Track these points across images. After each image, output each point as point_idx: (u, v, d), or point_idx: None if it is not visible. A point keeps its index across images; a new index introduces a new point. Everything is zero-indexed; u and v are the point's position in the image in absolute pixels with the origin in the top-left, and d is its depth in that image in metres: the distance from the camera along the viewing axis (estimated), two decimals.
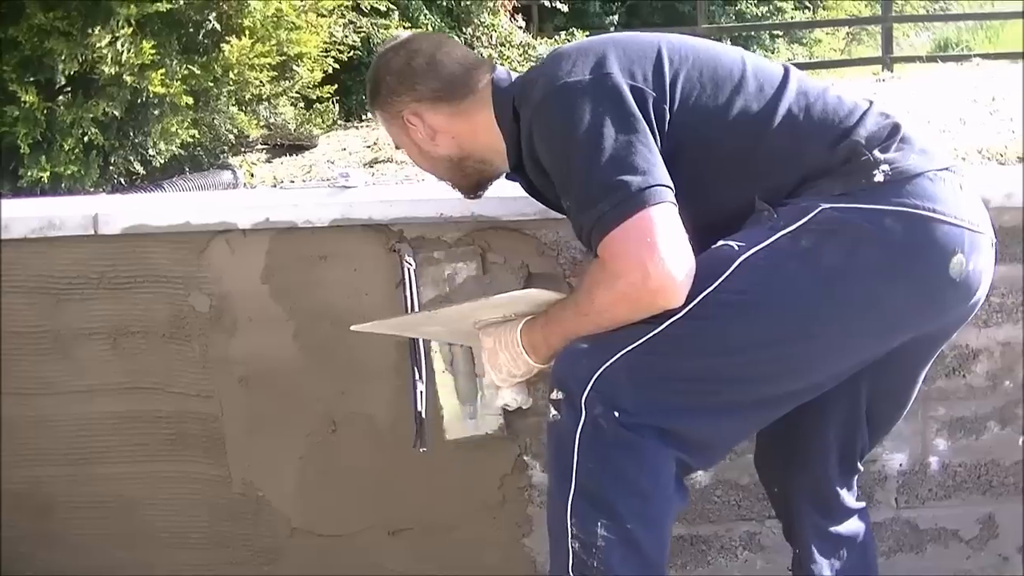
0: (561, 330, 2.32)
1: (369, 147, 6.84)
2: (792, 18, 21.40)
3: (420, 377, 2.85)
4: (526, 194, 2.64)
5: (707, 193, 2.30)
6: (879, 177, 2.21)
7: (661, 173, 2.19)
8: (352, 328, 2.62)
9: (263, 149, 6.99)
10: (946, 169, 2.29)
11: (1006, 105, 7.72)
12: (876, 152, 2.24)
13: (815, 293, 2.20)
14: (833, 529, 2.68)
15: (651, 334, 2.20)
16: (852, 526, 2.71)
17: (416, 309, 2.88)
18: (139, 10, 4.39)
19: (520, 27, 12.02)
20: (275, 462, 3.16)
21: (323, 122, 6.91)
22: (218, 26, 4.59)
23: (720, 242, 2.25)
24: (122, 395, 3.13)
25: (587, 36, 11.64)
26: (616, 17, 15.01)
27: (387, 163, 6.17)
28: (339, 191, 3.07)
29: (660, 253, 2.12)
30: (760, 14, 19.52)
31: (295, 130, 6.66)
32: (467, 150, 2.57)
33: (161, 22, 4.50)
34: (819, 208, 2.19)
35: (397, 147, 2.70)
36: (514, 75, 2.54)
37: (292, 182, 6.05)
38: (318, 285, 3.03)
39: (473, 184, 2.69)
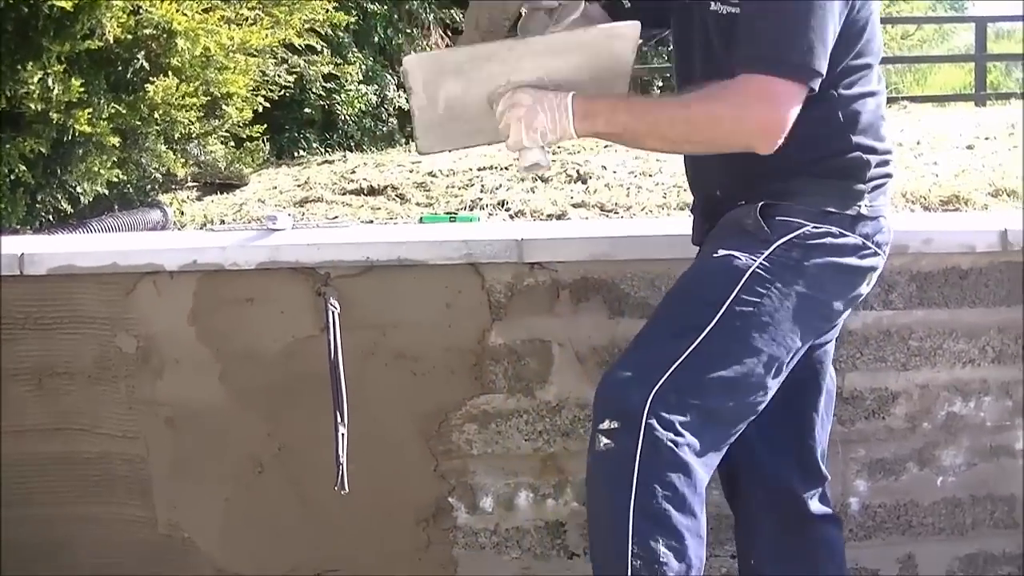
0: (643, 113, 2.47)
1: (300, 186, 6.83)
2: None
3: (342, 421, 2.87)
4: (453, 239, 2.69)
5: None
6: (863, 210, 2.51)
7: (825, 61, 2.36)
8: (405, 59, 2.51)
9: (194, 187, 6.98)
10: (887, 215, 2.60)
11: (929, 149, 7.86)
12: (870, 185, 2.52)
13: (806, 295, 2.45)
14: (800, 537, 2.77)
15: (688, 351, 2.34)
16: (820, 533, 2.79)
17: (339, 352, 2.89)
18: (71, 47, 4.37)
19: None
20: (201, 504, 3.15)
21: (253, 160, 6.90)
22: (147, 65, 4.58)
23: (722, 251, 2.46)
24: (49, 436, 3.11)
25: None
26: None
27: (318, 202, 6.18)
28: (266, 234, 3.09)
29: (785, 118, 2.32)
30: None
31: (225, 168, 6.65)
32: None
33: (90, 60, 4.49)
34: (805, 227, 2.46)
35: None
36: None
37: (223, 221, 6.04)
38: (245, 327, 3.05)
39: None
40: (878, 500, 3.25)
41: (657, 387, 2.31)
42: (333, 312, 2.92)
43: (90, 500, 3.15)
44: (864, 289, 2.59)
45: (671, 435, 2.30)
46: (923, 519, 3.28)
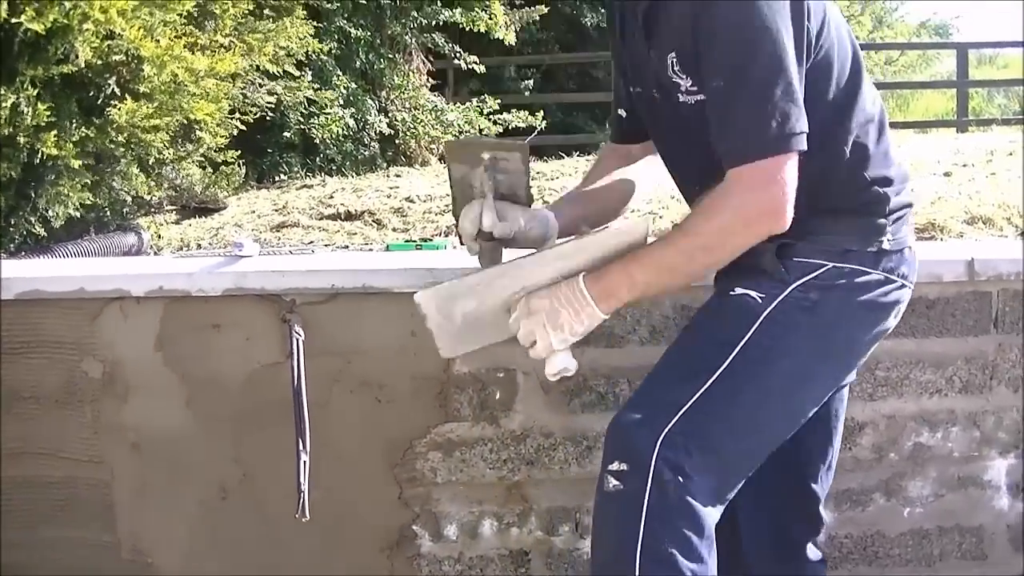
0: (654, 267, 2.40)
1: (278, 210, 6.83)
2: None
3: (304, 448, 2.86)
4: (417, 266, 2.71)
5: None
6: (885, 245, 2.48)
7: (804, 116, 2.31)
8: (416, 297, 2.53)
9: (172, 210, 6.97)
10: (913, 244, 2.60)
11: (911, 177, 7.91)
12: (892, 218, 2.49)
13: (821, 341, 2.45)
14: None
15: (698, 394, 2.35)
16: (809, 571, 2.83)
17: (303, 381, 2.89)
18: (44, 71, 4.37)
19: (432, 88, 12.07)
20: (165, 529, 3.14)
21: (229, 184, 6.88)
22: (117, 90, 4.58)
23: (739, 290, 2.46)
24: (13, 460, 3.09)
25: (498, 102, 11.82)
26: (531, 82, 15.11)
27: (294, 227, 6.17)
28: (232, 260, 3.08)
29: (783, 193, 2.28)
30: None
31: (202, 192, 6.64)
32: None
33: (63, 84, 4.49)
34: (825, 268, 2.43)
35: None
36: None
37: (199, 245, 6.02)
38: (210, 353, 3.04)
39: None
40: (844, 531, 3.26)
41: (666, 430, 2.32)
42: (298, 339, 2.92)
43: (54, 524, 3.13)
44: (891, 323, 2.57)
45: (679, 478, 2.31)
46: (890, 550, 3.29)
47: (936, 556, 3.29)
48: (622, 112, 2.81)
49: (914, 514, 3.27)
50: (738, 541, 2.75)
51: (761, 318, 2.40)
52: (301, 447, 2.85)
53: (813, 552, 2.81)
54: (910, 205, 2.58)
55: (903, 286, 2.53)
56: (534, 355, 2.47)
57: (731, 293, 2.47)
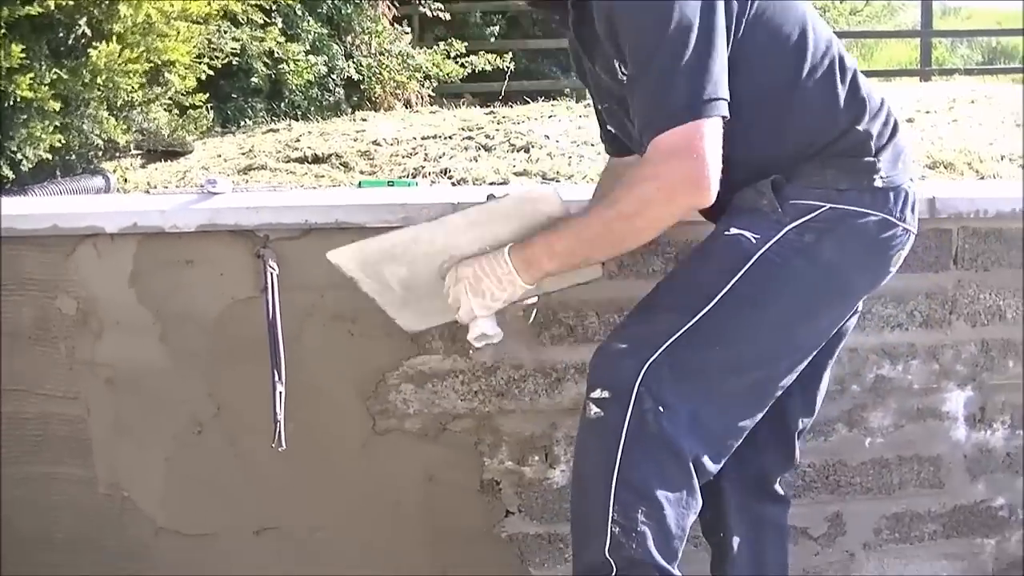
0: (575, 237, 2.40)
1: (244, 153, 6.83)
2: None
3: (279, 378, 2.90)
4: (391, 202, 2.72)
5: (739, 114, 2.36)
6: (878, 183, 2.47)
7: (724, 85, 2.29)
8: (329, 255, 2.59)
9: (138, 155, 6.95)
10: (912, 180, 2.57)
11: None
12: (880, 157, 2.48)
13: (817, 284, 2.46)
14: (758, 508, 2.85)
15: (684, 328, 2.36)
16: (775, 511, 2.89)
17: (278, 314, 2.93)
18: (10, 13, 4.35)
19: (407, 32, 12.03)
20: (141, 463, 3.18)
21: (196, 128, 6.85)
22: (88, 31, 4.56)
23: (734, 230, 2.44)
24: None
25: (466, 47, 11.79)
26: (497, 28, 15.05)
27: (261, 170, 6.18)
28: (206, 197, 3.10)
29: (703, 161, 2.23)
30: None
31: (169, 136, 6.62)
32: None
33: (31, 26, 4.47)
34: (822, 208, 2.42)
35: None
36: None
37: (166, 187, 6.03)
38: (184, 289, 3.07)
39: None
40: (808, 460, 3.32)
41: (651, 361, 2.34)
42: (271, 273, 2.95)
43: (30, 461, 3.17)
44: (892, 268, 2.57)
45: (660, 408, 2.33)
46: (851, 479, 3.35)
47: (896, 484, 3.36)
48: (610, 128, 2.80)
49: (875, 444, 3.33)
50: (720, 472, 2.80)
51: (755, 257, 2.39)
52: (276, 378, 2.88)
53: (780, 489, 2.87)
54: (896, 132, 2.56)
55: (905, 230, 2.52)
56: (460, 320, 2.51)
57: (726, 233, 2.46)
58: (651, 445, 2.34)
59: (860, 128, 2.48)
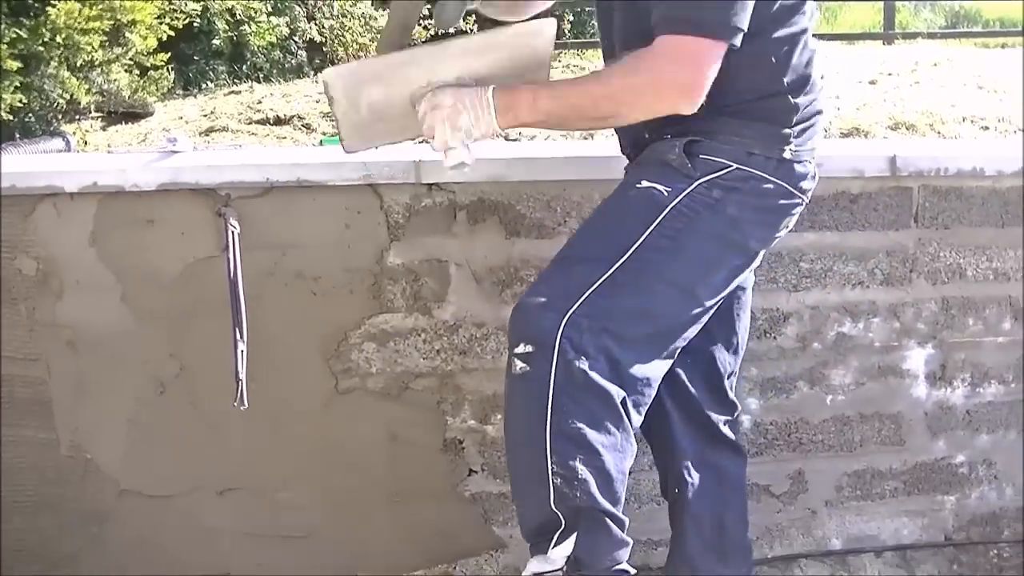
0: (564, 96, 2.44)
1: (206, 116, 6.77)
2: None
3: (241, 337, 2.89)
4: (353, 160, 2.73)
5: None
6: (787, 154, 2.54)
7: (748, 16, 2.37)
8: (323, 73, 2.57)
9: (98, 117, 6.89)
10: (814, 154, 2.65)
11: (834, 84, 7.97)
12: (796, 129, 2.55)
13: (721, 236, 2.52)
14: (711, 459, 2.87)
15: (601, 279, 2.40)
16: (728, 461, 2.92)
17: (240, 273, 2.91)
18: None
19: None
20: (103, 425, 3.17)
21: (157, 89, 6.81)
22: None
23: (645, 183, 2.50)
24: None
25: (428, 9, 11.72)
26: None
27: (223, 132, 6.13)
28: (166, 156, 3.08)
29: (702, 78, 2.34)
30: None
31: (129, 97, 6.57)
32: None
33: None
34: (730, 168, 2.50)
35: None
36: None
37: (128, 148, 5.98)
38: (145, 249, 3.05)
39: None
40: (770, 418, 3.36)
41: (570, 312, 2.36)
42: (233, 232, 2.93)
43: None
44: (783, 232, 2.66)
45: (584, 358, 2.36)
46: (813, 436, 3.38)
47: (857, 442, 3.39)
48: None
49: (836, 402, 3.36)
50: (670, 423, 2.82)
51: (667, 209, 2.46)
52: (238, 336, 2.88)
53: (727, 432, 2.90)
54: (819, 114, 2.63)
55: (800, 200, 2.61)
56: (434, 148, 2.50)
57: (638, 185, 2.52)
58: (579, 393, 2.37)
59: (792, 100, 2.53)
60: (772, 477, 3.40)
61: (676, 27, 2.33)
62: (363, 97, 2.54)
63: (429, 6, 2.72)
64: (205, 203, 3.02)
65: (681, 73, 2.35)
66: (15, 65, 4.39)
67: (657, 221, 2.45)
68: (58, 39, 4.64)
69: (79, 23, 4.59)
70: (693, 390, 2.82)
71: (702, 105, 2.41)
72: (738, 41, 2.35)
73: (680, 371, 2.76)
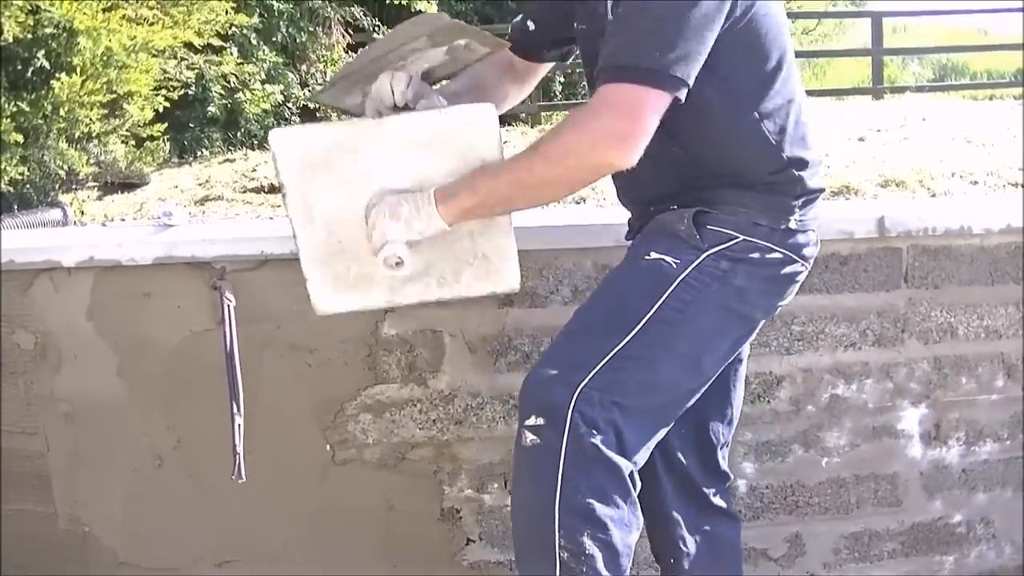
0: (496, 177, 2.40)
1: (201, 184, 6.81)
2: None
3: (238, 410, 2.90)
4: None
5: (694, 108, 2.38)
6: (792, 224, 2.55)
7: (695, 72, 2.30)
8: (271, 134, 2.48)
9: (94, 187, 6.93)
10: (816, 223, 2.65)
11: (823, 141, 8.03)
12: (801, 200, 2.56)
13: (729, 308, 2.52)
14: (704, 526, 2.86)
15: (612, 353, 2.39)
16: (722, 527, 2.90)
17: (236, 346, 2.93)
18: None
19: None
20: (101, 497, 3.17)
21: (154, 160, 6.85)
22: (47, 64, 4.56)
23: (654, 255, 2.49)
24: None
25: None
26: None
27: (218, 200, 6.17)
28: (162, 229, 3.11)
29: (638, 126, 2.25)
30: None
31: (126, 168, 6.60)
32: None
33: None
34: (736, 240, 2.49)
35: None
36: None
37: (123, 220, 6.02)
38: (142, 322, 3.07)
39: None
40: (765, 481, 3.35)
41: (582, 385, 2.35)
42: (229, 305, 2.95)
43: None
44: (787, 300, 2.66)
45: (595, 432, 2.35)
46: (809, 499, 3.38)
47: (853, 504, 3.39)
48: (531, 24, 2.81)
49: (831, 464, 3.36)
50: (663, 493, 2.83)
51: (676, 281, 2.45)
52: (235, 410, 2.89)
53: (719, 502, 2.88)
54: (822, 189, 2.64)
55: (803, 266, 2.61)
56: (373, 245, 2.43)
57: (646, 257, 2.51)
58: (590, 467, 2.36)
59: (795, 172, 2.55)
60: (769, 540, 3.39)
61: (616, 75, 2.28)
62: (319, 202, 2.49)
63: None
64: (200, 276, 3.04)
65: (617, 123, 2.26)
66: (17, 138, 4.42)
67: (667, 294, 2.44)
68: (60, 112, 4.68)
69: (81, 96, 4.63)
70: (684, 461, 2.82)
71: (708, 176, 2.44)
72: (682, 95, 2.28)
73: (673, 440, 2.75)
